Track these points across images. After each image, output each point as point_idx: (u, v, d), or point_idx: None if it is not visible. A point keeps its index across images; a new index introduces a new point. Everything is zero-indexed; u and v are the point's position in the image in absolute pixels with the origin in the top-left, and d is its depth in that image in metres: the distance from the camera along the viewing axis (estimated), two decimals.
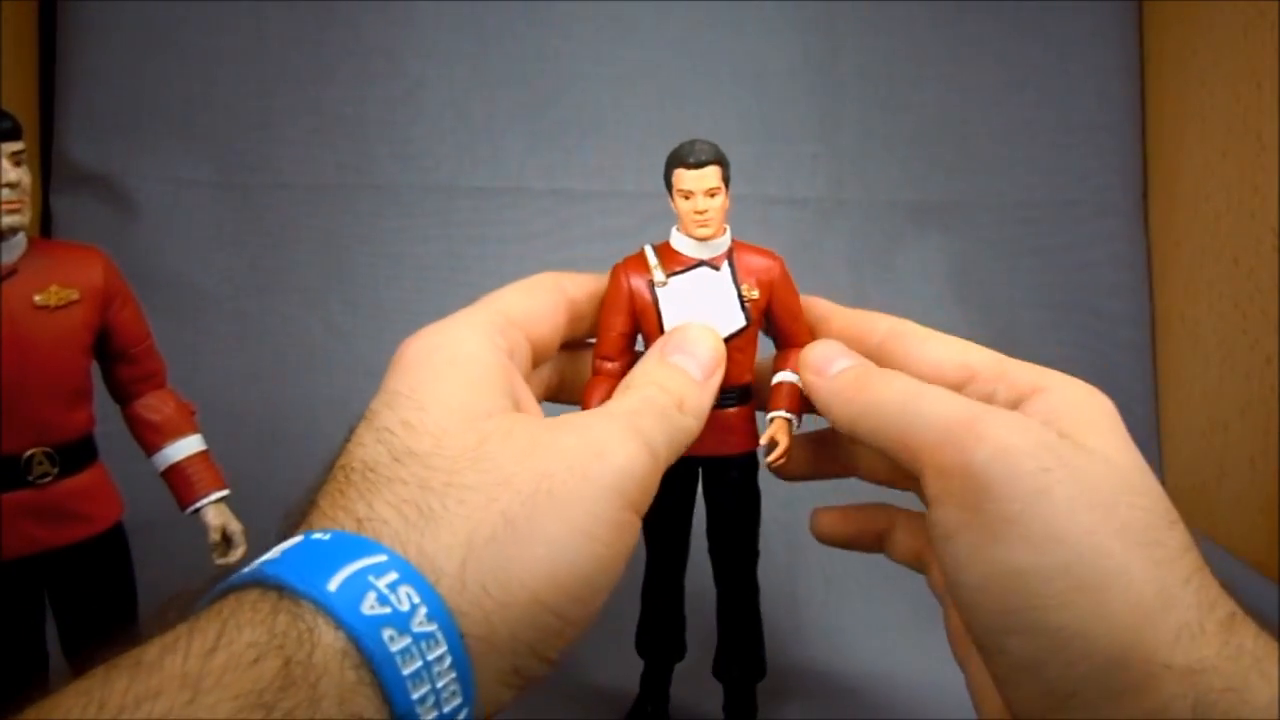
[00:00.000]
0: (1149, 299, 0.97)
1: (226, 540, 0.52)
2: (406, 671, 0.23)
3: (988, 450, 0.31)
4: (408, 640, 0.23)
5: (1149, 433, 0.95)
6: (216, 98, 0.88)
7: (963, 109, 0.96)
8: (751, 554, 0.58)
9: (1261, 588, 0.76)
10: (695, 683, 0.63)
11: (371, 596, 0.24)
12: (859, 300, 0.94)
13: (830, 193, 0.95)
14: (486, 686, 0.26)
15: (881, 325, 0.45)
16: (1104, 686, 0.28)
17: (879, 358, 0.43)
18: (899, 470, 0.38)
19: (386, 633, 0.23)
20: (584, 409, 0.56)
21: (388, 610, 0.24)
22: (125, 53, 0.87)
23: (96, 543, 0.50)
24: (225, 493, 0.53)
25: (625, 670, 0.62)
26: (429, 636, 0.24)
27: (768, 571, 0.61)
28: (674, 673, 0.61)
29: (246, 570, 0.25)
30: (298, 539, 0.26)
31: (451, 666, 0.24)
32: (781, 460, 0.51)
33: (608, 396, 0.56)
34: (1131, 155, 0.97)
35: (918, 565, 0.47)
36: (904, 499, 0.49)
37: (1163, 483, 1.02)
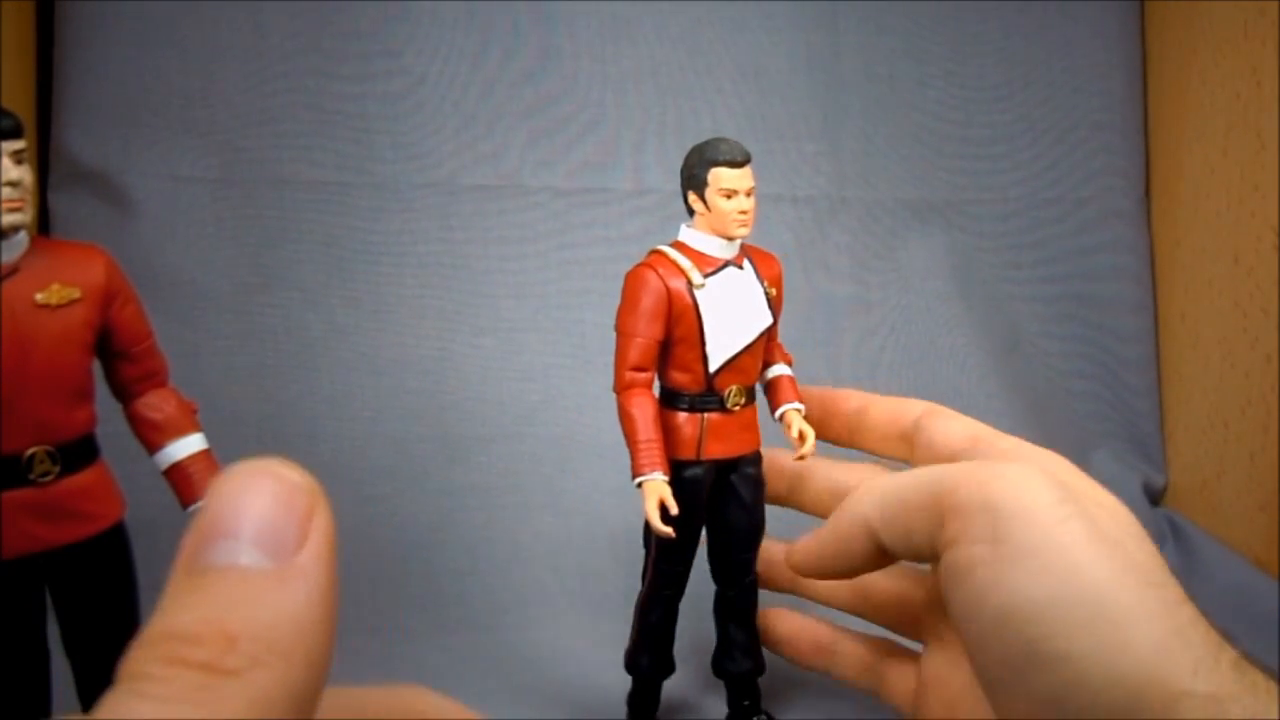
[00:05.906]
0: (1151, 296, 0.97)
1: None
2: None
3: (1010, 485, 0.33)
4: None
5: (1153, 429, 0.95)
6: (216, 94, 0.88)
7: (965, 107, 0.96)
8: (757, 548, 0.58)
9: (1261, 584, 0.76)
10: (696, 685, 0.63)
11: None
12: (861, 299, 0.95)
13: (832, 191, 0.95)
14: None
15: (917, 408, 0.52)
16: (1127, 717, 0.28)
17: (913, 435, 0.51)
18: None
19: None
20: (633, 426, 0.50)
21: None
22: (124, 49, 0.86)
23: (98, 542, 0.49)
24: None
25: (619, 679, 0.61)
26: None
27: None
28: (672, 678, 0.60)
29: None
30: None
31: None
32: (812, 450, 0.53)
33: (654, 406, 0.50)
34: (1133, 154, 0.97)
35: (867, 683, 0.52)
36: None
37: (1164, 479, 1.01)
